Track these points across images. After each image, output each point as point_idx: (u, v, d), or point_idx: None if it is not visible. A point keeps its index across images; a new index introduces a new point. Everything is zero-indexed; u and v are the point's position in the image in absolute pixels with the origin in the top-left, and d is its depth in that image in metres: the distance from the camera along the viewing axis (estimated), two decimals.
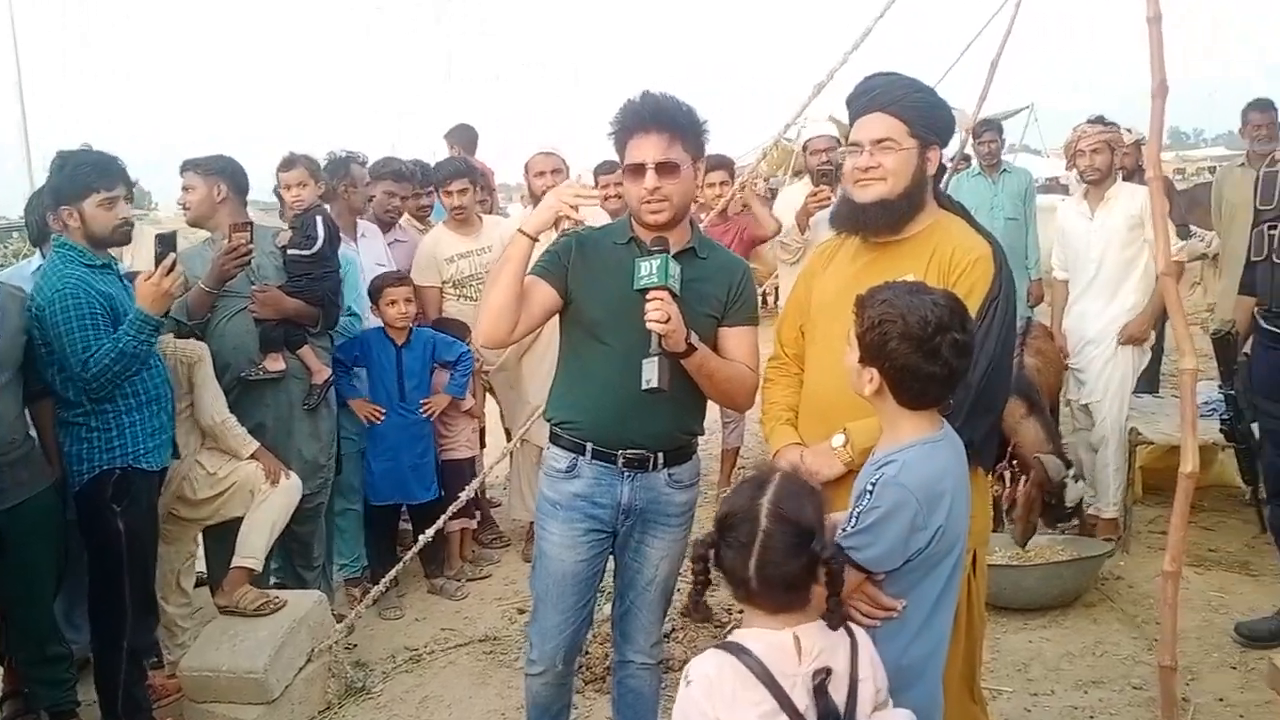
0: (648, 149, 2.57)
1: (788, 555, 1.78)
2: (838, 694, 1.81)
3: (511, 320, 2.58)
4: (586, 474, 2.73)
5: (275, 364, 4.08)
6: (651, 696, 3.00)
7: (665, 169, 2.56)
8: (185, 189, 4.00)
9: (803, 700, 1.77)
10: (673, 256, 2.54)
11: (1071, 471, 4.25)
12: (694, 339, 2.52)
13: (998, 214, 6.42)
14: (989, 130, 6.68)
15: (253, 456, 3.85)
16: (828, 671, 1.81)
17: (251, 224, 3.88)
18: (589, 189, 2.80)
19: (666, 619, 4.02)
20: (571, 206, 2.53)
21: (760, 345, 2.80)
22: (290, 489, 3.87)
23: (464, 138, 7.48)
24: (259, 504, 3.78)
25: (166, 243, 3.34)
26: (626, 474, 2.72)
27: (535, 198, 4.89)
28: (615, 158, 2.74)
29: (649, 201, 2.58)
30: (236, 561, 3.74)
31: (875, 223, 2.47)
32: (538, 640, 2.86)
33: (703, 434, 2.93)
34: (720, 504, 1.87)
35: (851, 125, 2.55)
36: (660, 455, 2.73)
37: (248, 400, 4.06)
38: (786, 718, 1.76)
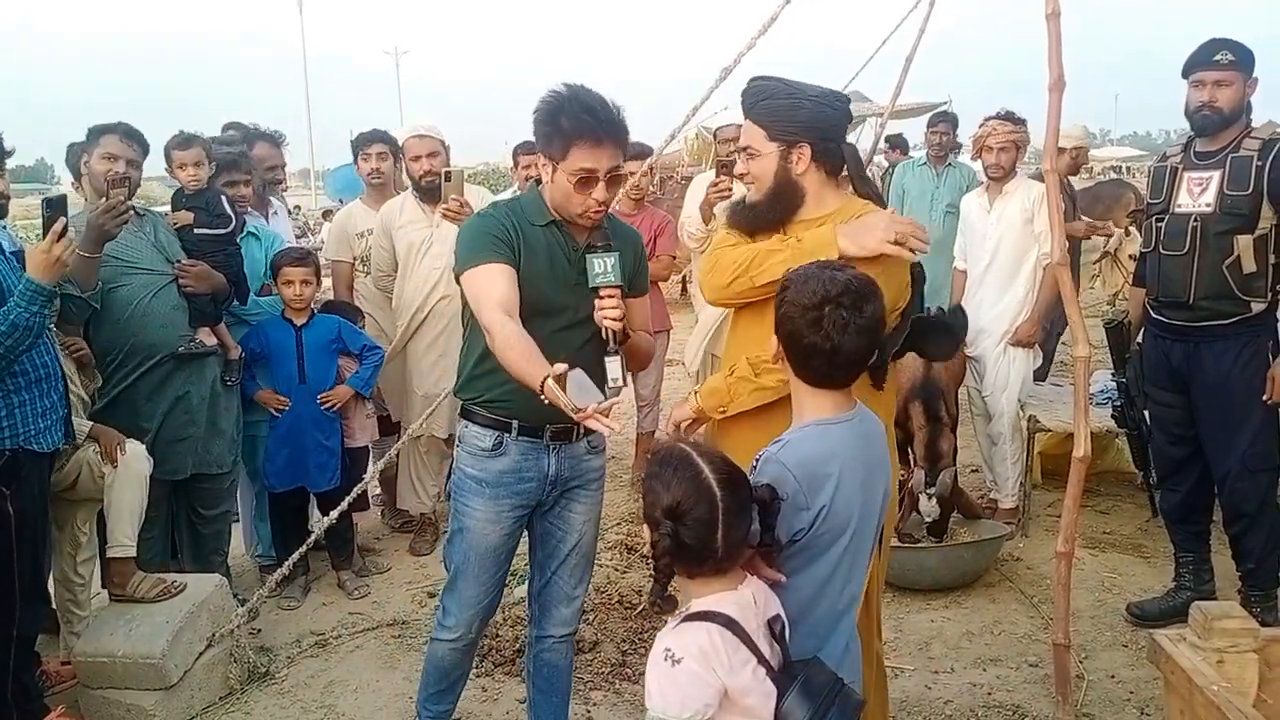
0: (603, 159, 2.55)
1: (743, 513, 1.82)
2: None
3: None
4: (513, 451, 2.76)
5: (209, 337, 4.01)
6: (567, 669, 3.07)
7: (617, 179, 2.61)
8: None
9: (766, 649, 1.83)
10: (600, 246, 2.60)
11: (932, 490, 4.35)
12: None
13: (938, 205, 6.46)
14: (944, 121, 6.65)
15: (90, 437, 3.60)
16: (778, 618, 1.88)
17: (129, 179, 3.66)
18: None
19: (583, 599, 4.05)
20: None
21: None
22: (138, 455, 3.65)
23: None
24: (109, 488, 3.55)
25: (55, 206, 3.04)
26: (552, 447, 2.78)
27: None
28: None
29: (599, 210, 2.62)
30: (110, 554, 3.60)
31: (747, 222, 2.58)
32: (455, 609, 2.90)
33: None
34: (651, 495, 1.84)
35: None
36: (580, 425, 2.73)
37: (179, 376, 3.94)
38: (763, 669, 1.81)
